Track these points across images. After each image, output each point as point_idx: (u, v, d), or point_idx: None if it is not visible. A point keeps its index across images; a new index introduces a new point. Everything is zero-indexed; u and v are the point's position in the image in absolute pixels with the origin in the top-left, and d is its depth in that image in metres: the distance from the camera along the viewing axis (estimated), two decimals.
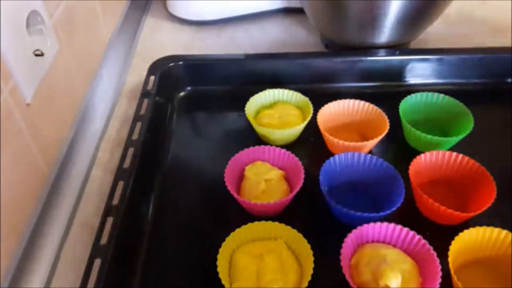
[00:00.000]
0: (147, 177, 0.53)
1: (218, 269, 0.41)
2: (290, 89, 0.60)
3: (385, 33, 0.64)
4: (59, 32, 0.51)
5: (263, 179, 0.49)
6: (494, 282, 0.43)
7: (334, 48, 0.73)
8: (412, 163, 0.49)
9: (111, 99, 0.65)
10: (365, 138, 0.54)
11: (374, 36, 0.65)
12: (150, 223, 0.50)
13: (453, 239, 0.42)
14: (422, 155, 0.50)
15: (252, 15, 0.82)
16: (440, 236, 0.44)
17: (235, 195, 0.48)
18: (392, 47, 0.67)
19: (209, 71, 0.66)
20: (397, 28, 0.64)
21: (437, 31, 0.76)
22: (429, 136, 0.53)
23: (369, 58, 0.65)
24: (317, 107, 0.57)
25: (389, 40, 0.66)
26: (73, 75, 0.56)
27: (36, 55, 0.45)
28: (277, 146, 0.52)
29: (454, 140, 0.54)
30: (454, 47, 0.68)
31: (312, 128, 0.56)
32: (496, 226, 0.44)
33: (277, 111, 0.59)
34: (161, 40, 0.79)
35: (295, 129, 0.56)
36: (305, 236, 0.43)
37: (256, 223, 0.45)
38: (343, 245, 0.42)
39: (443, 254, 0.41)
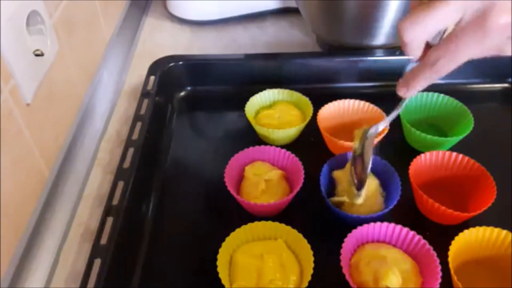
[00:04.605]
0: (147, 177, 0.53)
1: (218, 269, 0.41)
2: (290, 89, 0.60)
3: (381, 35, 0.64)
4: (59, 32, 0.51)
5: (263, 179, 0.49)
6: (494, 282, 0.43)
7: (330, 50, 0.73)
8: (412, 163, 0.49)
9: (111, 99, 0.65)
10: None
11: (370, 38, 0.65)
12: (150, 223, 0.50)
13: (453, 239, 0.42)
14: (422, 155, 0.50)
15: (252, 15, 0.82)
16: (440, 236, 0.44)
17: (235, 195, 0.48)
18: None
19: (209, 71, 0.66)
20: (393, 30, 0.63)
21: None
22: (429, 136, 0.53)
23: (369, 58, 0.65)
24: (317, 107, 0.57)
25: (385, 42, 0.66)
26: (73, 75, 0.56)
27: (36, 55, 0.45)
28: (277, 146, 0.52)
29: (454, 140, 0.54)
30: None
31: (312, 128, 0.56)
32: (496, 226, 0.44)
33: (277, 111, 0.59)
34: (161, 40, 0.79)
35: (295, 129, 0.56)
36: (305, 236, 0.43)
37: (256, 223, 0.45)
38: (343, 245, 0.42)
39: (443, 254, 0.41)
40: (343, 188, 0.48)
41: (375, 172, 0.50)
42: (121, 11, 0.75)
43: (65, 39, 0.53)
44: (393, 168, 0.49)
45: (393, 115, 0.45)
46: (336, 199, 0.48)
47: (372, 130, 0.46)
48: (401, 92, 0.41)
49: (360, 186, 0.46)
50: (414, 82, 0.39)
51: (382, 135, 0.53)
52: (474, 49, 0.34)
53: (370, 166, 0.45)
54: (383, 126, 0.46)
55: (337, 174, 0.50)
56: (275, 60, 0.66)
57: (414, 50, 0.37)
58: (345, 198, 0.47)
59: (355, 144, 0.47)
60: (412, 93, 0.41)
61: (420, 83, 0.39)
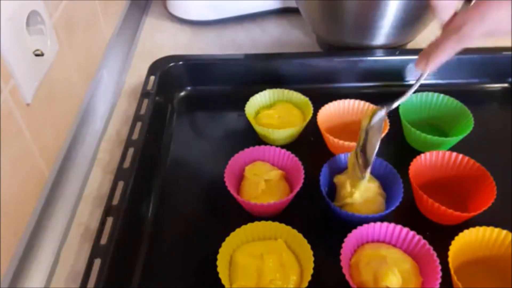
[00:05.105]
0: (147, 177, 0.53)
1: (218, 269, 0.41)
2: (290, 89, 0.60)
3: (381, 35, 0.64)
4: (59, 32, 0.51)
5: (263, 179, 0.49)
6: (494, 282, 0.43)
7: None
8: (412, 163, 0.49)
9: (111, 99, 0.65)
10: None
11: (370, 38, 0.65)
12: (150, 223, 0.50)
13: (453, 239, 0.42)
14: (422, 155, 0.50)
15: (252, 15, 0.82)
16: (440, 236, 0.44)
17: (235, 195, 0.48)
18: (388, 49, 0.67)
19: (209, 71, 0.66)
20: (393, 30, 0.63)
21: (436, 32, 0.76)
22: (429, 136, 0.53)
23: (369, 58, 0.65)
24: (317, 107, 0.57)
25: (385, 42, 0.66)
26: (73, 75, 0.56)
27: (36, 55, 0.45)
28: (277, 146, 0.52)
29: (454, 140, 0.54)
30: None
31: (312, 128, 0.56)
32: (496, 226, 0.44)
33: (277, 111, 0.59)
34: (161, 40, 0.79)
35: (295, 129, 0.56)
36: (305, 236, 0.43)
37: (256, 223, 0.45)
38: (343, 245, 0.42)
39: (443, 254, 0.41)
40: (344, 190, 0.48)
41: (376, 173, 0.50)
42: (121, 11, 0.75)
43: (65, 39, 0.53)
44: (395, 170, 0.49)
45: (408, 94, 0.42)
46: (337, 204, 0.48)
47: (383, 111, 0.44)
48: (420, 65, 0.38)
49: (365, 166, 0.44)
50: (436, 53, 0.37)
51: (383, 135, 0.53)
52: (505, 9, 0.32)
53: (378, 146, 0.44)
54: (395, 105, 0.44)
55: (339, 178, 0.50)
56: (275, 60, 0.66)
57: (443, 11, 0.35)
58: (346, 202, 0.47)
59: (363, 125, 0.45)
60: (432, 67, 0.38)
61: (443, 53, 0.37)
